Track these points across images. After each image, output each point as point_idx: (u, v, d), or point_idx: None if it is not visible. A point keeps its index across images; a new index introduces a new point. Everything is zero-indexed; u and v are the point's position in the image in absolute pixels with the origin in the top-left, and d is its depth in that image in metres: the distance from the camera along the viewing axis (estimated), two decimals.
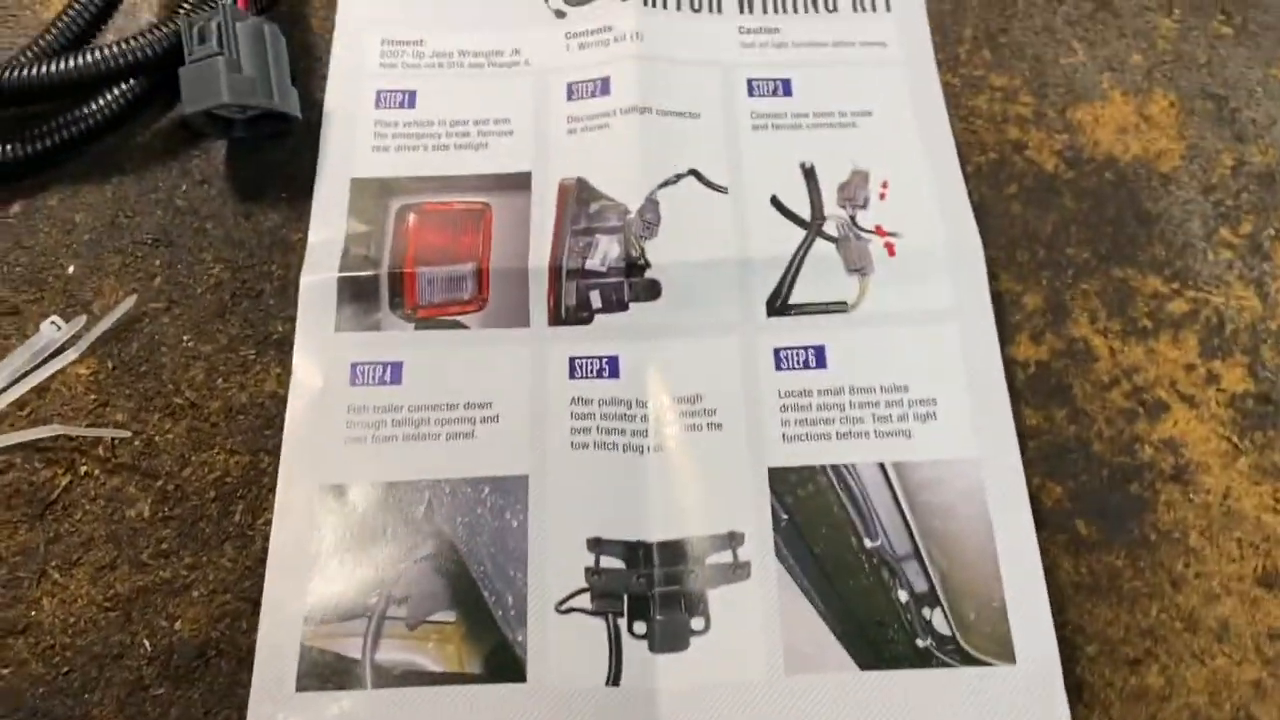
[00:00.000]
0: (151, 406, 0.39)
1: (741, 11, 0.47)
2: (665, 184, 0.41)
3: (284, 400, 0.38)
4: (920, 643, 0.34)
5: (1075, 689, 0.34)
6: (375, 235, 0.41)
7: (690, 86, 0.44)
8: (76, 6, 0.43)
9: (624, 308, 0.39)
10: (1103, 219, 0.42)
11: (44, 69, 0.41)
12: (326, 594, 0.35)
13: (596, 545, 0.36)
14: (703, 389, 0.38)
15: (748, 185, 0.42)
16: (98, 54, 0.41)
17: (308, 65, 0.45)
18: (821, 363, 0.39)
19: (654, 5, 0.46)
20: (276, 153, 0.43)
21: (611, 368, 0.39)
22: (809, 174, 0.42)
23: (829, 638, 0.35)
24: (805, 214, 0.41)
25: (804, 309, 0.40)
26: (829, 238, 0.41)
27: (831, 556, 0.36)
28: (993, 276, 0.40)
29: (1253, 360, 0.39)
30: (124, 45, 0.41)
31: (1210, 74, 0.44)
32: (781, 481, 0.37)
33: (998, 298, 0.40)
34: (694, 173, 0.42)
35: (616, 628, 0.35)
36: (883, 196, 0.42)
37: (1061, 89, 0.44)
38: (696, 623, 0.35)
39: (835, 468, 0.37)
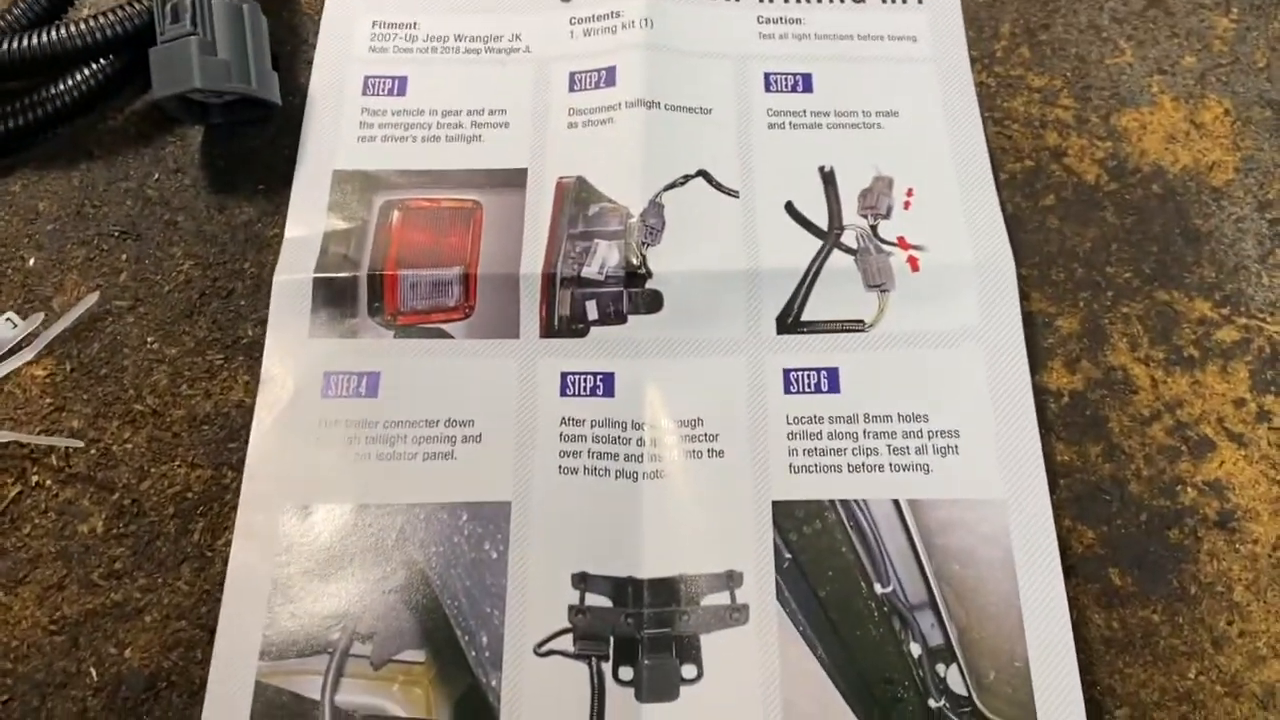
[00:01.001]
0: (110, 413, 0.36)
1: (761, 0, 0.43)
2: (671, 186, 0.38)
3: (251, 411, 0.35)
4: (933, 703, 0.31)
5: None
6: (356, 233, 0.38)
7: (702, 79, 0.41)
8: None
9: (622, 320, 0.36)
10: (1147, 236, 0.38)
11: (10, 45, 0.38)
12: (286, 627, 0.32)
13: (582, 581, 0.33)
14: (704, 412, 0.35)
15: (761, 189, 0.39)
16: (67, 30, 0.38)
17: (293, 47, 0.42)
18: (834, 387, 0.36)
19: None
20: (255, 140, 0.40)
21: (606, 385, 0.36)
22: (828, 178, 0.39)
23: (832, 693, 0.32)
24: (822, 222, 0.38)
25: (817, 327, 0.36)
26: (847, 249, 0.37)
27: (838, 602, 0.33)
28: (1024, 296, 0.37)
29: None
30: (96, 21, 0.39)
31: (1269, 79, 0.41)
32: (786, 516, 0.34)
33: (1029, 320, 0.36)
34: (703, 174, 0.39)
35: (600, 673, 0.32)
36: (907, 205, 0.38)
37: (1106, 92, 0.40)
38: (688, 670, 0.32)
39: (845, 503, 0.34)
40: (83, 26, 0.39)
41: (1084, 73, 0.41)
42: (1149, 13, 0.42)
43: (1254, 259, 0.38)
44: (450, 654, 0.32)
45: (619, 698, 0.31)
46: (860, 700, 0.31)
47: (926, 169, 0.39)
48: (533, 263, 0.37)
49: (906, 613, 0.32)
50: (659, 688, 0.32)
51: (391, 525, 0.33)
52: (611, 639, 0.32)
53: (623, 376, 0.36)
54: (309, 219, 0.38)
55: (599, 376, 0.36)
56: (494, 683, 0.32)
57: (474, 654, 0.32)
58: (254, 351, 0.37)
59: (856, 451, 0.35)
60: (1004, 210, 0.38)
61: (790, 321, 0.36)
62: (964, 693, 0.31)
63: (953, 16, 0.42)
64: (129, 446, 0.36)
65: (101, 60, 0.40)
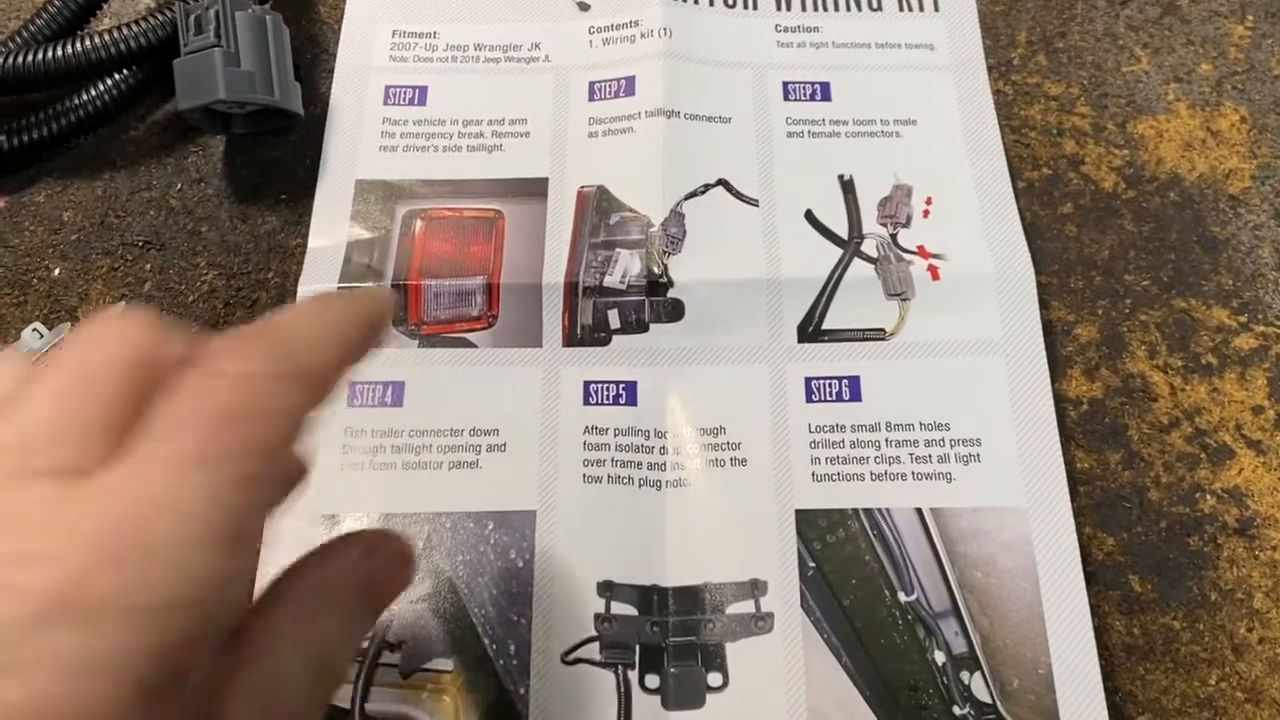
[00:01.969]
0: None
1: (778, 9, 0.43)
2: (692, 195, 0.38)
3: None
4: (958, 710, 0.32)
5: None
6: (379, 243, 0.38)
7: (721, 88, 0.41)
8: None
9: (644, 329, 0.37)
10: (1165, 244, 0.38)
11: (34, 57, 0.38)
12: None
13: (608, 589, 0.33)
14: (726, 420, 0.35)
15: (780, 198, 0.39)
16: (91, 42, 0.39)
17: (314, 57, 0.42)
18: (856, 395, 0.36)
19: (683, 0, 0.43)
20: (278, 150, 0.41)
21: (629, 394, 0.36)
22: (847, 187, 0.39)
23: (857, 701, 0.32)
24: (842, 231, 0.38)
25: (838, 335, 0.37)
26: (867, 258, 0.38)
27: (862, 610, 0.33)
28: (1043, 304, 0.37)
29: None
30: (119, 33, 0.39)
31: None
32: (810, 525, 0.34)
33: (1049, 328, 0.37)
34: (723, 183, 0.39)
35: (626, 681, 0.32)
36: (926, 214, 0.38)
37: (1122, 100, 0.41)
38: (713, 678, 0.32)
39: (868, 512, 0.34)
40: (106, 38, 0.39)
41: (1100, 81, 0.41)
42: (1165, 20, 0.42)
43: (1271, 266, 0.38)
44: (478, 663, 0.32)
45: (646, 706, 0.32)
46: (885, 708, 0.32)
47: (945, 177, 0.39)
48: (555, 272, 0.37)
49: (930, 620, 0.33)
50: (685, 696, 0.32)
51: (418, 534, 0.34)
52: (637, 647, 0.33)
53: (645, 385, 0.36)
54: (332, 229, 0.38)
55: (621, 385, 0.36)
56: (522, 691, 0.32)
57: (501, 663, 0.32)
58: None
59: (879, 460, 0.35)
60: (1023, 218, 0.38)
61: (811, 330, 0.37)
62: (988, 700, 0.32)
63: (969, 24, 0.43)
64: None
65: (124, 71, 0.40)
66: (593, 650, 0.33)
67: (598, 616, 0.33)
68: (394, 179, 0.39)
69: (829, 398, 0.36)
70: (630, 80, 0.41)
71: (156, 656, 0.16)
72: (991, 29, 0.42)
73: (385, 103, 0.41)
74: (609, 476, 0.35)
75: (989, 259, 0.37)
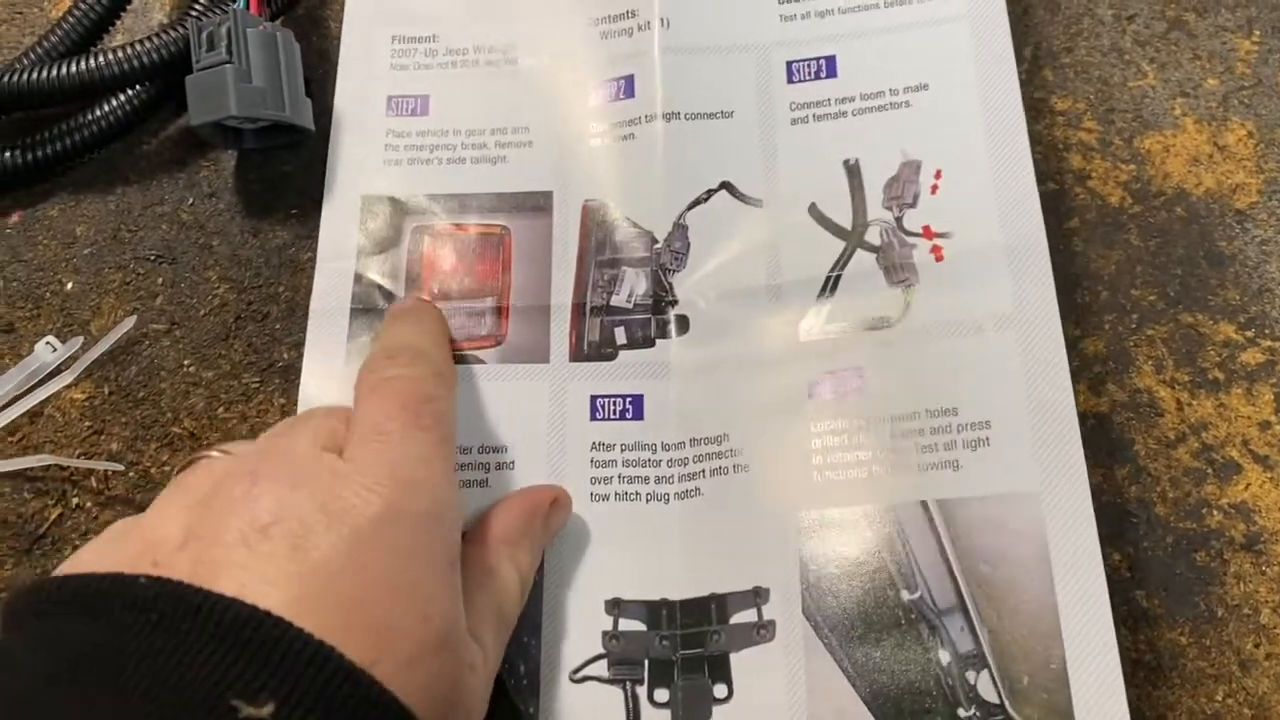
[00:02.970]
0: (149, 436, 0.37)
1: None
2: (695, 204, 0.38)
3: None
4: (963, 712, 0.31)
5: None
6: (389, 261, 0.38)
7: (722, 80, 0.40)
8: (83, 6, 0.41)
9: (650, 344, 0.37)
10: (1171, 259, 0.38)
11: (48, 73, 0.39)
12: None
13: (616, 606, 0.33)
14: (729, 428, 0.35)
15: (784, 193, 0.38)
16: (104, 58, 0.39)
17: (324, 73, 0.42)
18: (860, 388, 0.35)
19: None
20: (288, 165, 0.41)
21: (635, 407, 0.36)
22: (853, 171, 0.38)
23: (859, 707, 0.32)
24: (847, 221, 0.37)
25: (841, 330, 0.36)
26: (870, 247, 0.37)
27: (863, 612, 0.33)
28: None
29: None
30: (131, 50, 0.39)
31: None
32: (811, 527, 0.34)
33: None
34: (726, 186, 0.38)
35: (635, 697, 0.32)
36: (934, 190, 0.37)
37: (1129, 115, 0.41)
38: (719, 690, 0.32)
39: (872, 510, 0.34)
40: (119, 55, 0.39)
41: (1107, 95, 0.41)
42: (1171, 35, 0.42)
43: (1278, 282, 0.38)
44: None
45: None
46: (886, 713, 0.31)
47: (957, 145, 0.38)
48: (562, 293, 0.37)
49: (935, 619, 0.32)
50: (694, 709, 0.32)
51: None
52: (646, 662, 0.33)
53: (651, 398, 0.36)
54: (341, 245, 0.39)
55: (628, 399, 0.36)
56: (531, 710, 0.32)
57: (512, 682, 0.33)
58: (289, 375, 0.37)
59: (883, 452, 0.34)
60: None
61: (814, 328, 0.36)
62: (995, 700, 0.31)
63: None
64: (166, 469, 0.36)
65: (136, 87, 0.41)
66: (601, 668, 0.33)
67: (605, 634, 0.33)
68: (400, 194, 0.39)
69: (832, 395, 0.35)
70: (629, 80, 0.40)
71: (446, 540, 0.27)
72: None
73: (388, 113, 0.41)
74: (616, 494, 0.35)
75: (1000, 231, 0.36)
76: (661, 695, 0.32)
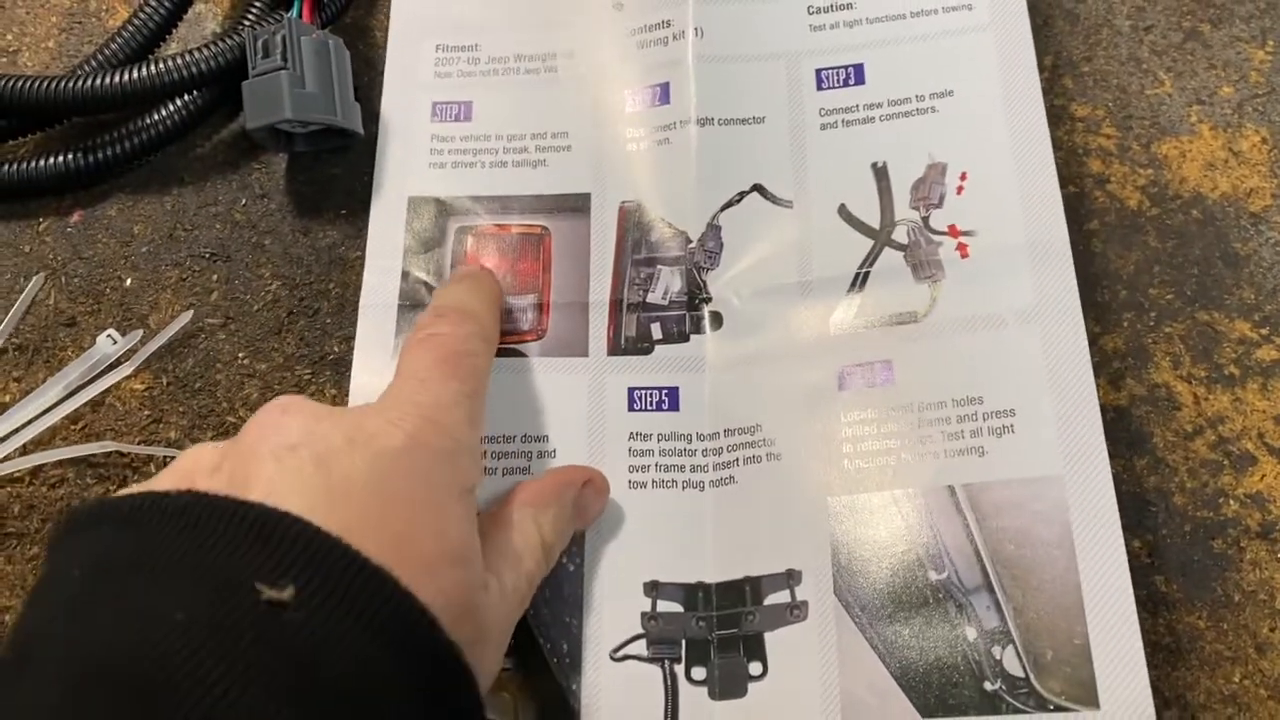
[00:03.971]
0: (205, 425, 0.38)
1: None
2: (728, 205, 0.40)
3: None
4: (989, 686, 0.32)
5: None
6: (434, 259, 0.40)
7: (754, 87, 0.41)
8: (141, 16, 0.43)
9: (685, 339, 0.38)
10: (1188, 259, 0.40)
11: (107, 80, 0.40)
12: None
13: (654, 589, 0.35)
14: (762, 419, 0.37)
15: (814, 195, 0.40)
16: (161, 65, 0.41)
17: (370, 79, 0.44)
18: (888, 379, 0.36)
19: None
20: (337, 167, 0.43)
21: (671, 400, 0.38)
22: (880, 174, 0.39)
23: (889, 682, 0.33)
24: (875, 221, 0.39)
25: (870, 324, 0.37)
26: (898, 245, 0.38)
27: (893, 593, 0.34)
28: None
29: None
30: (187, 58, 0.41)
31: None
32: (842, 512, 0.35)
33: None
34: (758, 188, 0.40)
35: (673, 674, 0.34)
36: (960, 191, 0.39)
37: (1146, 121, 0.42)
38: (754, 668, 0.34)
39: (900, 495, 0.35)
40: (176, 62, 0.41)
41: (1125, 103, 0.43)
42: (1187, 45, 0.44)
43: None
44: (534, 661, 0.34)
45: (692, 696, 0.33)
46: (915, 687, 0.32)
47: (981, 147, 0.39)
48: (600, 290, 0.39)
49: (962, 597, 0.33)
50: (730, 686, 0.33)
51: None
52: (684, 642, 0.34)
53: (686, 390, 0.38)
54: (388, 245, 0.40)
55: (664, 391, 0.38)
56: (574, 687, 0.34)
57: (555, 661, 0.34)
58: (340, 367, 0.39)
59: (911, 440, 0.35)
60: None
61: (844, 323, 0.38)
62: (1020, 674, 0.32)
63: None
64: None
65: (192, 93, 0.43)
66: (640, 647, 0.34)
67: (644, 615, 0.35)
68: (445, 196, 0.41)
69: (862, 386, 0.37)
70: (665, 88, 0.42)
71: (464, 471, 0.29)
72: None
73: (433, 119, 0.43)
74: (654, 481, 0.36)
75: (1022, 228, 0.37)
76: (699, 673, 0.34)
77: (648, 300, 0.39)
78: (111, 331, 0.39)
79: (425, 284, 0.39)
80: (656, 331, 0.39)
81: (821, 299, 0.38)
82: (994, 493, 0.34)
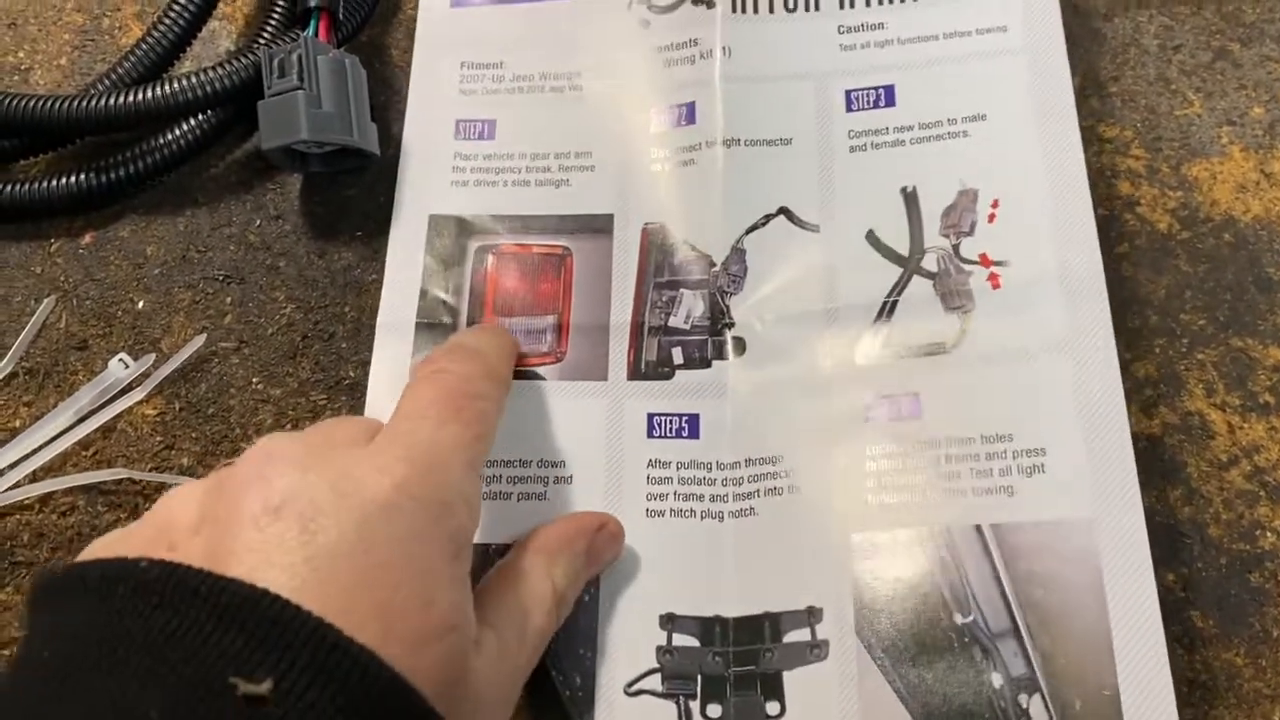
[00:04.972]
0: (218, 451, 0.38)
1: (841, 7, 0.42)
2: (753, 228, 0.39)
3: None
4: None
5: None
6: (453, 278, 0.39)
7: (782, 108, 0.41)
8: (155, 34, 0.42)
9: (707, 365, 0.38)
10: (1220, 284, 0.39)
11: (120, 100, 0.40)
12: None
13: (669, 622, 0.34)
14: (783, 449, 0.36)
15: (841, 220, 0.39)
16: (174, 85, 0.40)
17: (386, 99, 0.44)
18: (915, 412, 0.36)
19: (743, 10, 0.42)
20: (353, 188, 0.42)
21: (691, 427, 0.37)
22: (910, 199, 0.39)
23: None
24: (904, 248, 0.38)
25: (898, 355, 0.37)
26: (927, 274, 0.37)
27: (917, 634, 0.33)
28: None
29: None
30: (201, 77, 0.40)
31: None
32: (865, 549, 0.34)
33: None
34: (784, 211, 0.39)
35: (688, 711, 0.33)
36: (991, 219, 0.38)
37: (1176, 143, 0.41)
38: (772, 707, 0.33)
39: (925, 533, 0.34)
40: (189, 81, 0.40)
41: (1154, 124, 0.42)
42: (1216, 65, 0.43)
43: None
44: (545, 694, 0.33)
45: None
46: None
47: (1015, 175, 0.38)
48: (622, 312, 0.38)
49: (988, 642, 0.33)
50: None
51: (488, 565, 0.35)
52: (700, 678, 0.33)
53: (707, 417, 0.37)
54: (407, 263, 0.40)
55: (684, 418, 0.37)
56: None
57: (567, 694, 0.33)
58: (356, 392, 0.38)
59: (937, 477, 0.34)
60: None
61: (870, 353, 0.37)
62: None
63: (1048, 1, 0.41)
64: None
65: (206, 113, 0.42)
66: (655, 681, 0.33)
67: (659, 649, 0.34)
68: (466, 214, 0.41)
69: (886, 418, 0.36)
70: (690, 108, 0.41)
71: (454, 529, 0.27)
72: None
73: (456, 137, 0.42)
74: (672, 510, 0.36)
75: (1055, 259, 0.36)
76: (714, 710, 0.33)
77: (669, 324, 0.38)
78: (123, 355, 0.38)
79: (444, 303, 0.39)
80: (678, 356, 0.38)
81: (848, 327, 0.37)
82: (1023, 534, 0.33)
